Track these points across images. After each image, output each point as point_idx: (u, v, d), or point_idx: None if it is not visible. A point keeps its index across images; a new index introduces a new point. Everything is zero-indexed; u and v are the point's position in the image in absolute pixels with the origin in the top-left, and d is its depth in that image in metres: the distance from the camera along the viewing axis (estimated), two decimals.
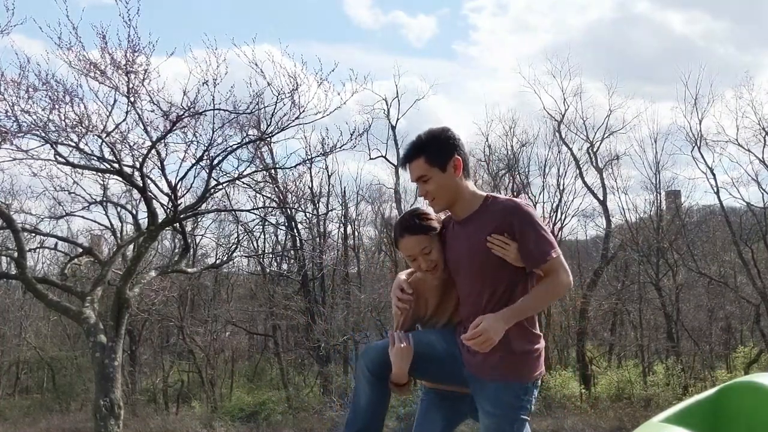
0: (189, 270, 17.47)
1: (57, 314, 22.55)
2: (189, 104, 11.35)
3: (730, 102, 27.71)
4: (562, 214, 24.19)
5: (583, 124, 23.75)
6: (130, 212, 17.81)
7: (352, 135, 12.85)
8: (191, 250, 20.76)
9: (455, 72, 44.60)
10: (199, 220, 21.63)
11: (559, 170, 24.18)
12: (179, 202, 12.30)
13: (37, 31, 42.00)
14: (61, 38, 10.68)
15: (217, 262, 21.65)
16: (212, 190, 12.84)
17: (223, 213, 19.57)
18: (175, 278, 20.00)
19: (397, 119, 24.12)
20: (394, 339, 2.84)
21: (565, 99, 23.78)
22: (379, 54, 45.00)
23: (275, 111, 11.96)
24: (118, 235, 21.40)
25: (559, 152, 24.18)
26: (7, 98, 10.59)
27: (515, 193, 23.67)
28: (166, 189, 12.20)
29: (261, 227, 24.65)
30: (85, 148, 11.53)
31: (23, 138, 11.06)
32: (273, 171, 16.04)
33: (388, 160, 24.06)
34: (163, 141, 11.83)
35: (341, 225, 26.26)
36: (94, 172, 13.21)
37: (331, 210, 25.59)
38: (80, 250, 15.76)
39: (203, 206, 13.56)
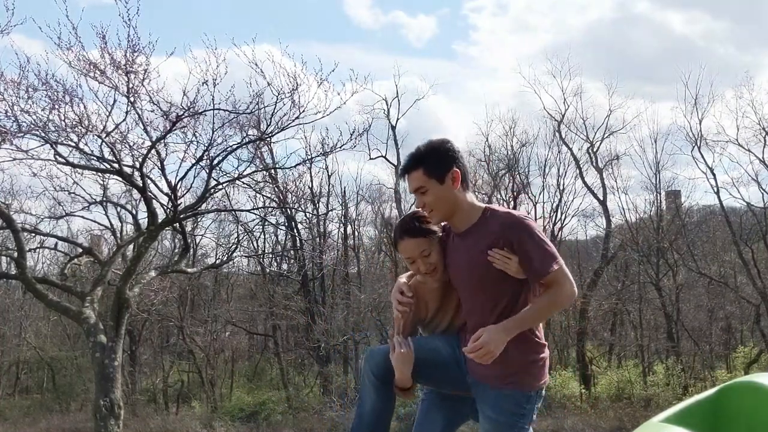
0: (189, 270, 17.48)
1: (57, 314, 22.52)
2: (189, 104, 11.40)
3: (730, 102, 27.62)
4: (562, 214, 24.20)
5: (583, 124, 23.72)
6: (130, 212, 17.84)
7: (352, 135, 12.93)
8: (191, 250, 20.75)
9: (455, 72, 44.63)
10: (199, 220, 21.64)
11: (559, 170, 24.17)
12: (179, 202, 12.32)
13: (37, 31, 42.03)
14: (60, 38, 10.77)
15: (217, 262, 21.65)
16: (212, 190, 12.86)
17: (223, 213, 19.59)
18: (175, 278, 20.00)
19: (397, 119, 24.08)
20: (395, 345, 2.85)
21: (565, 99, 23.74)
22: (379, 54, 45.03)
23: (275, 111, 12.03)
24: (118, 235, 21.42)
25: (559, 152, 24.16)
26: (7, 98, 10.65)
27: (515, 194, 23.71)
28: (166, 189, 12.25)
29: (261, 227, 24.68)
30: (85, 148, 11.58)
31: (23, 138, 11.11)
32: (273, 171, 16.09)
33: (388, 160, 24.03)
34: (162, 141, 11.87)
35: (341, 225, 26.27)
36: (94, 172, 13.24)
37: (331, 210, 25.59)
38: (80, 250, 15.77)
39: (203, 206, 13.58)
